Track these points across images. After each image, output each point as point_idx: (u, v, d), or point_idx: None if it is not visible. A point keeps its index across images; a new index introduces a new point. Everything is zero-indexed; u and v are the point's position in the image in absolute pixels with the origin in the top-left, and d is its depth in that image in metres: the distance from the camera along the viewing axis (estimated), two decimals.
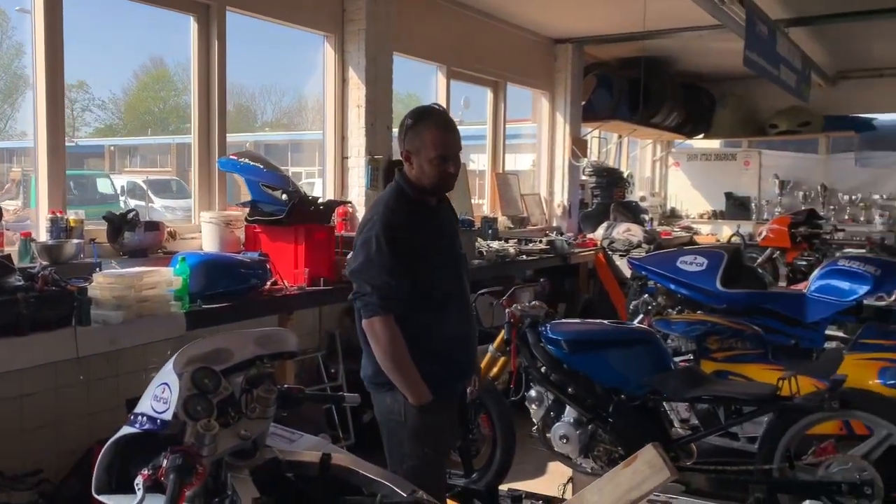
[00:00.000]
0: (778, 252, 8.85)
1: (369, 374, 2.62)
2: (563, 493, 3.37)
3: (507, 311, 3.26)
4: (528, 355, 3.19)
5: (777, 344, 5.18)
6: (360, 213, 5.43)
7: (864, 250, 7.91)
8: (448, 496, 3.38)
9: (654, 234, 8.11)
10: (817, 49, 8.45)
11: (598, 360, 3.04)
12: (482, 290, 4.01)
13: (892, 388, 3.70)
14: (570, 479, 3.32)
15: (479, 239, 6.35)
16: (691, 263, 5.48)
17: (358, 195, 5.44)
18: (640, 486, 1.45)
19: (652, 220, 9.83)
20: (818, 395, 2.66)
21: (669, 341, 4.42)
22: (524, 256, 6.50)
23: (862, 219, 10.15)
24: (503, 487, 3.66)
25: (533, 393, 3.25)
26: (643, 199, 11.09)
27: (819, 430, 3.31)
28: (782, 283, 7.85)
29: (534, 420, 3.30)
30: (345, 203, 5.21)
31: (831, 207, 10.29)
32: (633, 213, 8.45)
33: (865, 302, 6.45)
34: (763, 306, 5.20)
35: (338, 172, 5.48)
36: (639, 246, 7.69)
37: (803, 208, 9.09)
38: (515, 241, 6.89)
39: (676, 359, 4.32)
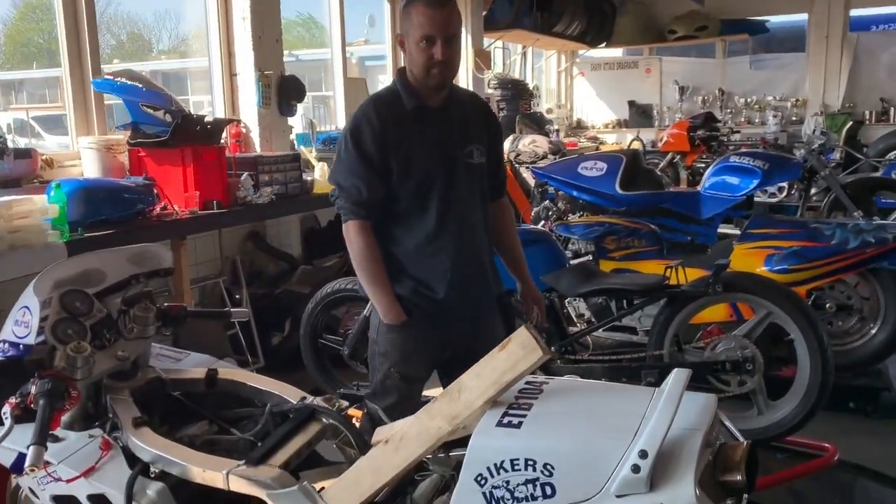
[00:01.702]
0: (679, 156, 9.08)
1: None
2: None
3: None
4: None
5: (674, 241, 5.37)
6: (255, 133, 5.23)
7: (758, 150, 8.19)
8: (355, 406, 3.40)
9: (559, 144, 8.16)
10: None
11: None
12: None
13: (778, 272, 3.89)
14: None
15: None
16: (591, 169, 5.54)
17: (251, 115, 5.22)
18: (514, 368, 1.46)
19: (558, 131, 9.91)
20: (703, 281, 2.75)
21: (571, 245, 4.51)
22: None
23: (757, 120, 10.51)
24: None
25: None
26: (550, 111, 11.14)
27: (710, 317, 3.47)
28: (683, 186, 8.11)
29: None
30: (235, 122, 4.99)
31: (728, 111, 10.59)
32: (538, 124, 8.48)
33: (757, 199, 6.75)
34: (660, 206, 5.33)
35: (227, 91, 5.23)
36: (545, 157, 7.73)
37: (701, 112, 9.30)
38: None
39: (577, 261, 4.42)
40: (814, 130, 6.33)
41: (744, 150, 5.96)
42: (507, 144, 8.05)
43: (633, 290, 2.89)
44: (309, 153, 5.57)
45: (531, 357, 1.46)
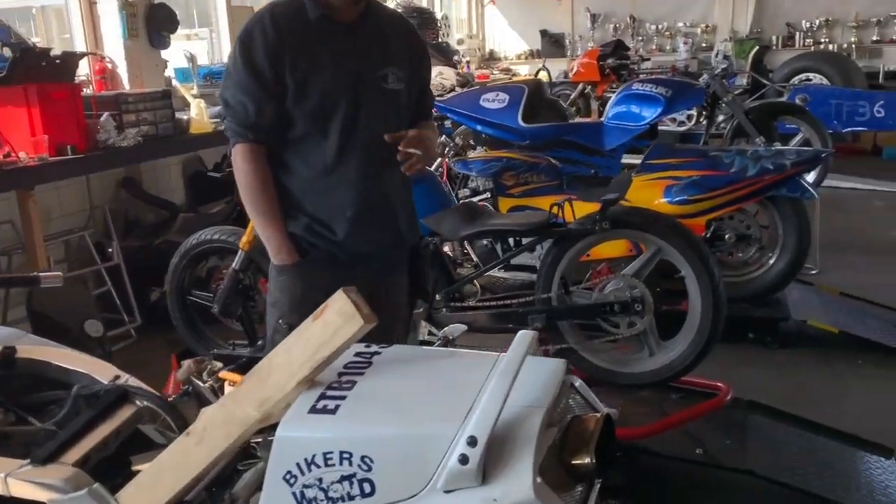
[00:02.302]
0: (589, 86, 8.90)
1: None
2: None
3: None
4: None
5: (577, 175, 5.20)
6: (122, 68, 4.74)
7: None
8: (230, 368, 3.13)
9: (468, 77, 7.85)
10: None
11: None
12: None
13: (677, 204, 3.75)
14: None
15: None
16: (493, 101, 5.28)
17: (116, 48, 4.71)
18: (330, 341, 1.22)
19: (469, 62, 9.56)
20: (590, 218, 2.56)
21: (470, 182, 4.26)
22: None
23: (668, 47, 10.39)
24: None
25: None
26: (461, 41, 10.74)
27: (608, 252, 3.30)
28: (595, 118, 7.94)
29: None
30: (95, 56, 4.49)
31: (639, 38, 10.44)
32: (444, 54, 8.10)
33: (664, 128, 6.63)
34: (563, 138, 5.15)
35: (88, 23, 4.69)
36: (452, 90, 7.40)
37: (612, 40, 9.10)
38: None
39: (476, 198, 4.19)
40: (716, 54, 6.19)
41: (647, 77, 5.77)
42: None
43: (516, 231, 2.67)
44: (188, 90, 5.11)
45: (350, 326, 1.20)
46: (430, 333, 2.84)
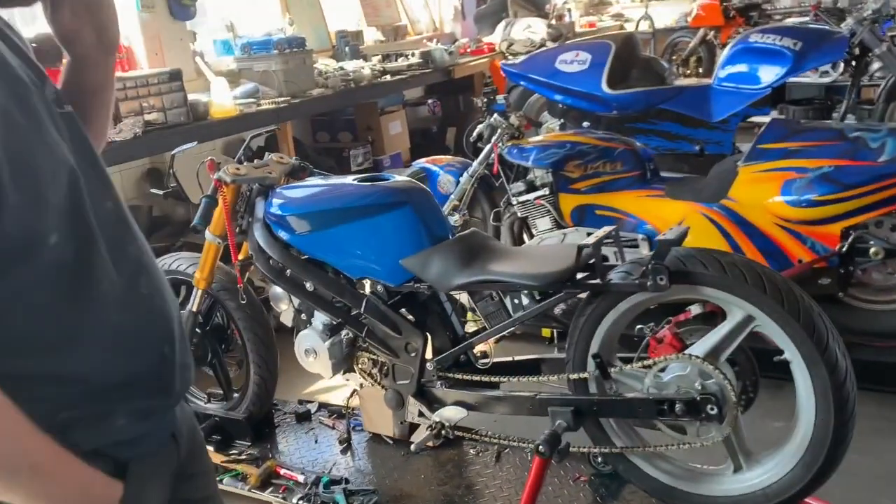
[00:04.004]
0: (712, 32, 7.61)
1: None
2: (348, 405, 2.50)
3: (212, 176, 2.17)
4: (253, 241, 2.16)
5: (678, 153, 4.18)
6: (139, 46, 4.17)
7: (806, 19, 6.65)
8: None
9: (560, 28, 6.81)
10: None
11: (336, 241, 2.01)
12: (254, 133, 2.94)
13: (801, 206, 2.76)
14: (355, 392, 2.43)
15: (325, 63, 5.10)
16: (572, 62, 4.32)
17: (131, 22, 4.14)
18: None
19: (570, 10, 8.42)
20: (639, 265, 1.67)
21: (530, 175, 3.39)
22: (387, 77, 5.26)
23: None
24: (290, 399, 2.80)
25: (277, 290, 2.25)
26: None
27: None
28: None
29: (285, 323, 2.34)
30: None
31: None
32: (534, 4, 7.10)
33: (802, 80, 5.34)
34: (660, 107, 4.13)
35: None
36: (542, 45, 6.41)
37: None
38: (379, 57, 5.62)
39: (532, 195, 3.32)
40: None
41: (770, 25, 4.58)
42: (498, 32, 6.76)
43: (525, 285, 1.81)
44: (217, 67, 4.49)
45: None
46: (420, 415, 2.05)
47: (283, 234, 2.12)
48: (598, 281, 1.72)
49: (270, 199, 2.15)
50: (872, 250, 2.73)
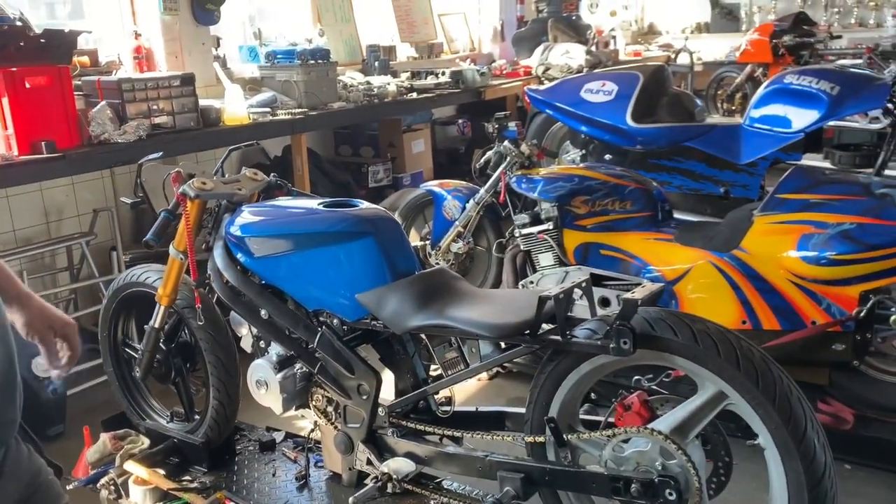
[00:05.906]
0: (760, 69, 7.34)
1: None
2: (309, 438, 2.36)
3: (175, 190, 2.07)
4: (212, 261, 2.04)
5: (704, 193, 3.97)
6: (159, 48, 4.14)
7: (859, 61, 6.37)
8: (146, 455, 2.39)
9: (600, 55, 6.62)
10: None
11: (293, 268, 1.87)
12: (234, 147, 2.81)
13: (817, 264, 2.54)
14: (317, 425, 2.29)
15: (352, 76, 5.02)
16: (597, 92, 4.16)
17: (153, 25, 4.12)
18: None
19: (614, 38, 8.24)
20: (604, 324, 1.49)
21: (537, 208, 3.23)
22: (413, 94, 5.16)
23: (872, 22, 8.44)
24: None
25: (235, 314, 2.14)
26: (613, 13, 9.40)
27: None
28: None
29: (245, 349, 2.22)
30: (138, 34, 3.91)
31: (835, 10, 8.56)
32: (575, 30, 6.93)
33: (839, 124, 5.05)
34: (686, 144, 3.93)
35: None
36: (579, 72, 6.24)
37: (791, 13, 7.44)
38: (409, 74, 5.52)
39: (535, 229, 3.15)
40: None
41: (809, 67, 4.35)
42: (536, 55, 6.62)
43: (481, 335, 1.63)
44: (235, 74, 4.45)
45: None
46: (368, 463, 1.90)
47: (241, 257, 2.00)
48: (558, 337, 1.55)
49: (233, 217, 2.03)
50: (893, 318, 2.50)
